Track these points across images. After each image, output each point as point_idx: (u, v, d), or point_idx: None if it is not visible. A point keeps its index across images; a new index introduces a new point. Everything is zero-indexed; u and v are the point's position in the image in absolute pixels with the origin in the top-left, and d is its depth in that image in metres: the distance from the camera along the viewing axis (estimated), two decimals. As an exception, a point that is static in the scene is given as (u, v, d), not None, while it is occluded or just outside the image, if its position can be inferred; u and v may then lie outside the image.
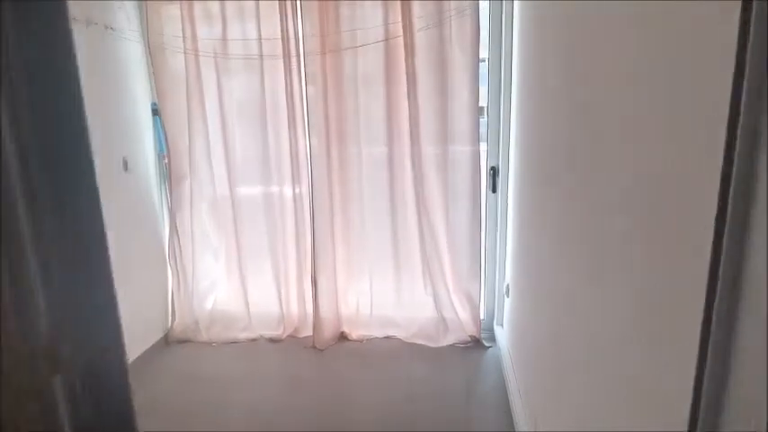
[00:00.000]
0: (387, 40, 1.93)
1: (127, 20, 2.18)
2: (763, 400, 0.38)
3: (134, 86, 2.22)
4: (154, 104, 2.33)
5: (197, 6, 2.13)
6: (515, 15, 1.88)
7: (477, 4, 1.87)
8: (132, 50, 2.18)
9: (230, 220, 2.42)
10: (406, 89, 2.02)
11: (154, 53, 2.15)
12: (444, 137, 2.06)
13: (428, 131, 2.06)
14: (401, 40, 1.92)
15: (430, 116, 2.05)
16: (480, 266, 2.21)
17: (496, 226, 2.21)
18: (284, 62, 2.04)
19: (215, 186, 2.40)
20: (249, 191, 2.43)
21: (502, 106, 2.07)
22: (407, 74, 1.98)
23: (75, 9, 1.87)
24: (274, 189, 2.35)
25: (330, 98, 2.10)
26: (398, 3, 1.90)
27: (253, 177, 2.38)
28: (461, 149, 2.11)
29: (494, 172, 2.17)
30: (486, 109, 2.14)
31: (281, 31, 2.01)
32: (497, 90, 2.05)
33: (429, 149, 2.11)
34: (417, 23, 1.89)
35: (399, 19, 1.90)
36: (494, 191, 2.19)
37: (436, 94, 2.01)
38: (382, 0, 1.93)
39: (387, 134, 2.13)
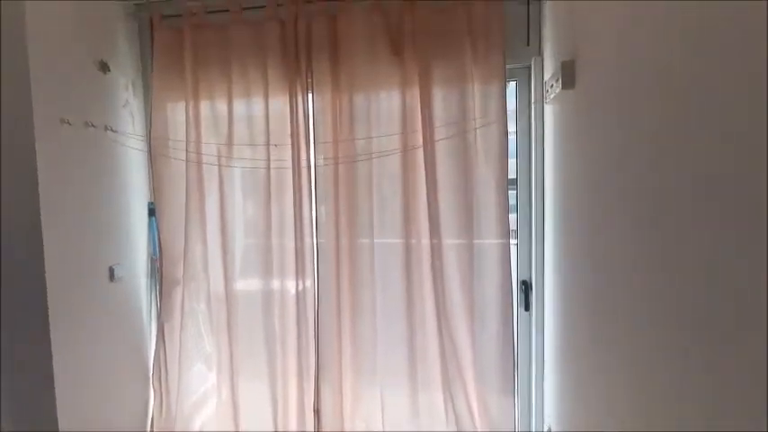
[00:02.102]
0: (405, 151, 1.78)
1: (131, 118, 2.07)
2: None
3: (131, 187, 2.05)
4: (151, 204, 2.15)
5: (204, 105, 2.02)
6: (547, 120, 1.74)
7: (505, 113, 1.72)
8: (132, 150, 2.05)
9: (224, 325, 2.14)
10: (425, 197, 1.83)
11: (155, 156, 2.01)
12: (470, 262, 1.83)
13: (450, 245, 1.85)
14: (420, 151, 1.77)
15: (452, 237, 1.85)
16: (513, 401, 1.88)
17: (530, 351, 1.91)
18: (293, 169, 1.88)
19: (209, 290, 2.15)
20: (248, 288, 2.17)
21: (533, 218, 1.86)
22: (428, 180, 1.80)
23: (69, 112, 1.76)
24: (275, 285, 2.09)
25: (341, 206, 1.91)
26: (418, 113, 1.76)
27: (252, 273, 2.13)
28: (488, 258, 1.87)
29: (525, 287, 1.91)
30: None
31: (291, 136, 1.87)
32: (527, 205, 1.86)
33: (452, 257, 1.88)
34: (438, 133, 1.74)
35: (419, 128, 1.76)
36: (526, 309, 1.92)
37: (459, 210, 1.82)
38: (401, 109, 1.80)
39: (403, 231, 1.91)
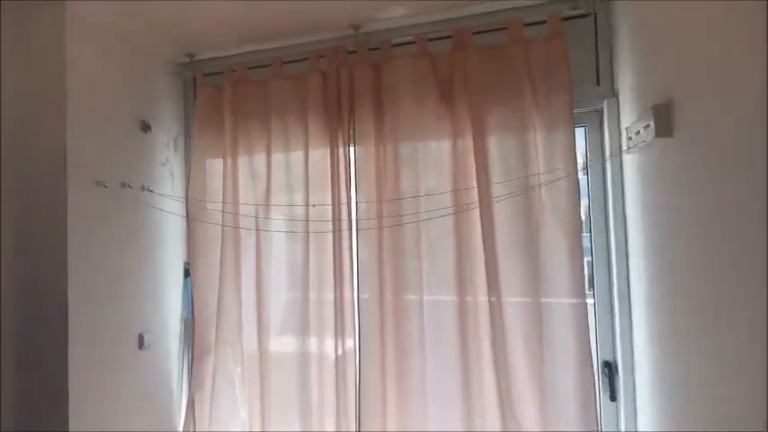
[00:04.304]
0: (457, 213, 1.55)
1: (170, 176, 2.01)
2: None
3: (166, 248, 1.96)
4: (186, 264, 2.05)
5: (242, 161, 1.92)
6: (630, 172, 1.47)
7: (576, 164, 1.47)
8: (169, 209, 1.97)
9: (257, 392, 1.93)
10: (482, 255, 1.57)
11: (192, 218, 1.93)
12: (539, 337, 1.53)
13: (514, 326, 1.56)
14: (476, 212, 1.54)
15: (517, 315, 1.57)
16: None
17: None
18: (333, 233, 1.71)
19: (243, 353, 1.97)
20: (283, 350, 1.96)
21: (614, 283, 1.55)
22: (485, 243, 1.55)
23: (105, 172, 1.64)
24: (313, 347, 1.87)
25: (386, 259, 1.70)
26: (472, 167, 1.55)
27: (289, 333, 1.93)
28: (561, 339, 1.55)
29: (609, 370, 1.57)
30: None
31: (332, 196, 1.71)
32: (606, 271, 1.56)
33: (518, 343, 1.57)
34: (497, 190, 1.51)
35: (474, 183, 1.54)
36: (612, 398, 1.56)
37: (524, 282, 1.55)
38: (451, 161, 1.60)
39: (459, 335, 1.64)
